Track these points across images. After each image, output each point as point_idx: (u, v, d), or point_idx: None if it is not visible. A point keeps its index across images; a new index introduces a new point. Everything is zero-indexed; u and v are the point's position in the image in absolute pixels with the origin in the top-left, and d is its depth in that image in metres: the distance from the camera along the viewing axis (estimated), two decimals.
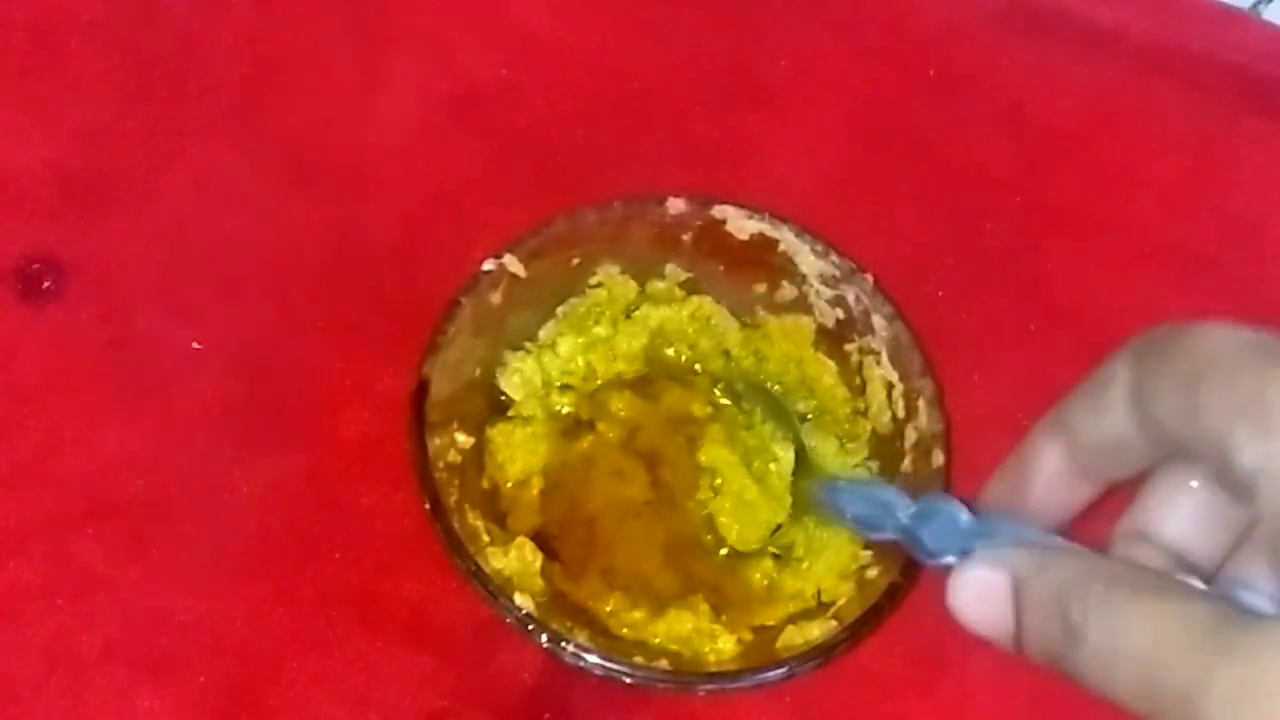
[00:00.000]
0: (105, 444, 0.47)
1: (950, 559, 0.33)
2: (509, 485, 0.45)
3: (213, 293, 0.50)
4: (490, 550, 0.43)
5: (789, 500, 0.46)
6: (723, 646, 0.43)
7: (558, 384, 0.47)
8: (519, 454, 0.45)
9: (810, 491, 0.44)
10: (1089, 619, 0.29)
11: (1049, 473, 0.34)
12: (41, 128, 0.52)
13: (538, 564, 0.43)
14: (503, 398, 0.46)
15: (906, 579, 0.40)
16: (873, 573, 0.43)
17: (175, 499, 0.46)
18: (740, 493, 0.46)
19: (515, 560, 0.42)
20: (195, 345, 0.49)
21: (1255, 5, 0.58)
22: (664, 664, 0.41)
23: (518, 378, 0.46)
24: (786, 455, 0.46)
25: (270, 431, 0.48)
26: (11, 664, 0.44)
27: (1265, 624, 0.26)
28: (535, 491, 0.45)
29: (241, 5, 0.55)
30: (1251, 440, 0.28)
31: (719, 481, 0.46)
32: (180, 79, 0.53)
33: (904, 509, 0.36)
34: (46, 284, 0.49)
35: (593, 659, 0.38)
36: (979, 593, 0.31)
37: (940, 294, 0.52)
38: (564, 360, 0.47)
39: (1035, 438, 0.35)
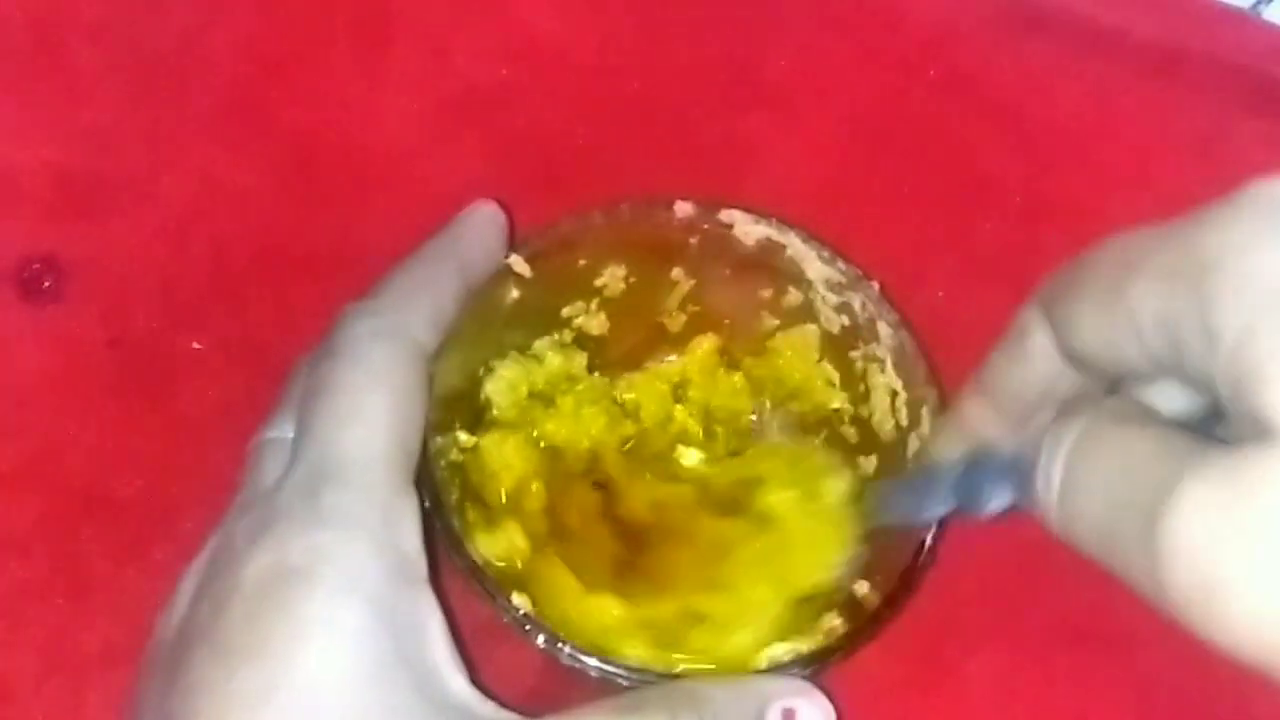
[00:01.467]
0: (105, 444, 0.47)
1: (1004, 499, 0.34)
2: (503, 498, 0.45)
3: (213, 293, 0.50)
4: (481, 536, 0.43)
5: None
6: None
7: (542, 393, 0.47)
8: (515, 461, 0.45)
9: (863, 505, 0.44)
10: (1055, 464, 0.29)
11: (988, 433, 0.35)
12: (42, 128, 0.51)
13: (526, 549, 0.43)
14: (483, 402, 0.46)
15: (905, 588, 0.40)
16: (862, 590, 0.42)
17: (175, 499, 0.46)
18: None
19: (504, 544, 0.43)
20: (195, 345, 0.49)
21: (1255, 5, 0.58)
22: (660, 667, 0.41)
23: (503, 383, 0.46)
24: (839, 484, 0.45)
25: None
26: (11, 664, 0.44)
27: (1245, 450, 0.25)
28: (535, 501, 0.45)
29: (242, 6, 0.55)
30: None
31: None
32: (181, 79, 0.53)
33: (951, 470, 0.36)
34: (46, 284, 0.49)
35: (589, 660, 0.38)
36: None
37: (940, 294, 0.52)
38: (549, 372, 0.47)
39: (964, 406, 0.36)
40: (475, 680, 0.36)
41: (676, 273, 0.47)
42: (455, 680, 0.35)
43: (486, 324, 0.44)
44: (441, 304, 0.41)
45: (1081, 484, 0.28)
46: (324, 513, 0.34)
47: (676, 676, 0.39)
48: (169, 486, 0.46)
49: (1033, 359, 0.33)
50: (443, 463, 0.42)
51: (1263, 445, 0.24)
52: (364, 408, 0.36)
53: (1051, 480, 0.29)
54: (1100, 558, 0.27)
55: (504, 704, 0.36)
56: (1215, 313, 0.26)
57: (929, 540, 0.40)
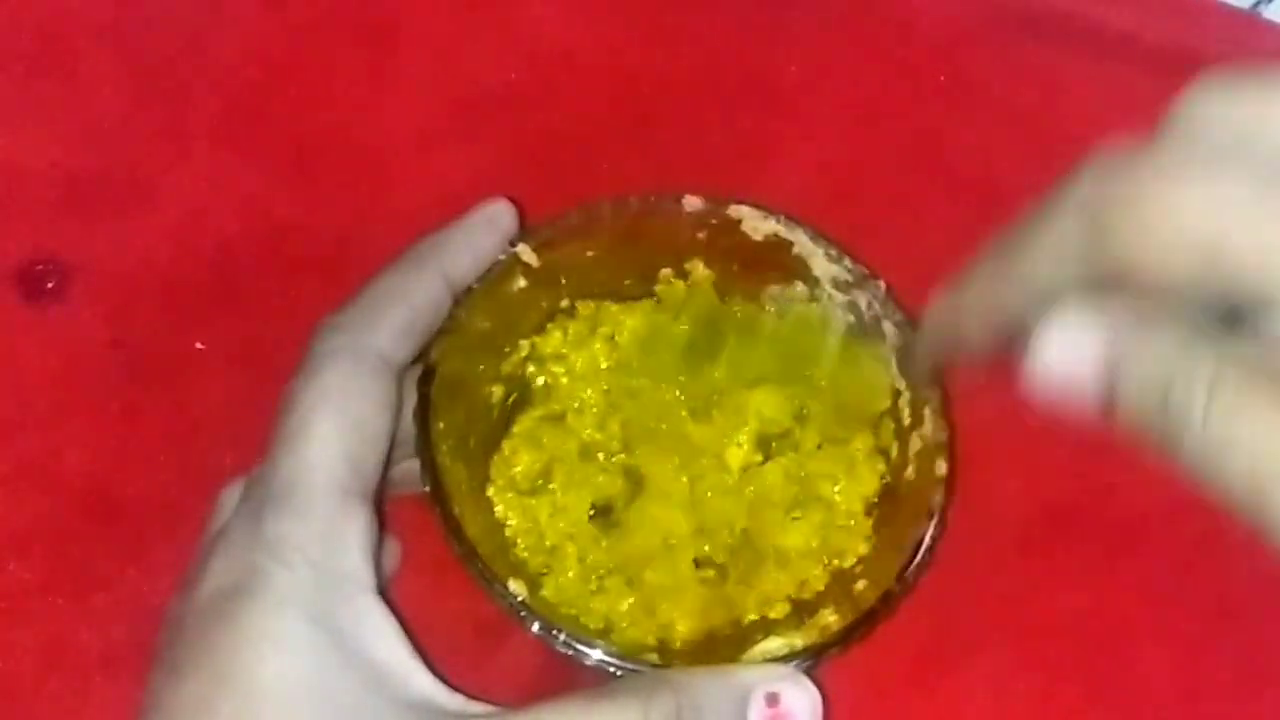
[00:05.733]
0: (107, 444, 0.47)
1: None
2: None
3: (216, 294, 0.50)
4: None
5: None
6: None
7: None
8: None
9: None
10: (1195, 406, 0.27)
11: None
12: (46, 129, 0.52)
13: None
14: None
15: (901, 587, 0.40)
16: (860, 585, 0.42)
17: (176, 499, 0.46)
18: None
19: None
20: (198, 346, 0.49)
21: (1255, 5, 0.58)
22: (653, 657, 0.40)
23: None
24: None
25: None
26: (11, 664, 0.44)
27: None
28: None
29: (248, 7, 0.55)
30: None
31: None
32: (186, 81, 0.53)
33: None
34: (50, 285, 0.49)
35: (583, 649, 0.38)
36: (1066, 352, 0.29)
37: None
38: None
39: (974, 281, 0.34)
40: (464, 680, 0.36)
41: (692, 263, 0.47)
42: (417, 678, 0.35)
43: (492, 315, 0.44)
44: (416, 312, 0.41)
45: (1221, 449, 0.27)
46: (263, 538, 0.35)
47: (665, 668, 0.39)
48: (170, 486, 0.46)
49: (1052, 255, 0.31)
50: (444, 448, 0.41)
51: None
52: (309, 427, 0.37)
53: (1185, 430, 0.27)
54: (1242, 505, 0.26)
55: (504, 703, 0.36)
56: None
57: (927, 539, 0.40)
